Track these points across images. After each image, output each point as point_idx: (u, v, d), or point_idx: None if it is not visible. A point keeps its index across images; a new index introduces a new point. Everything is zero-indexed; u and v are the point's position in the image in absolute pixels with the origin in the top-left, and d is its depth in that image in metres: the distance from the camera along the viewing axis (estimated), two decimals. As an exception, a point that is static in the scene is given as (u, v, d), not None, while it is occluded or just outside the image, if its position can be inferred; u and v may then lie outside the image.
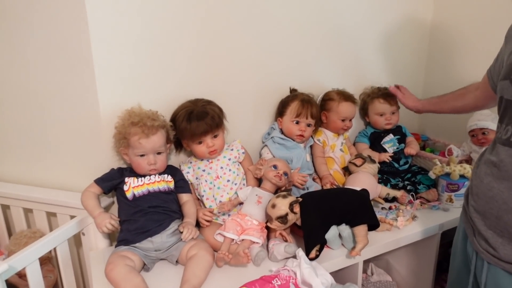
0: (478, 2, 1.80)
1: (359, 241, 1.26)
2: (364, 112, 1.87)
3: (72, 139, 1.43)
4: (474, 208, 1.02)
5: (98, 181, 1.33)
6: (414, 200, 1.60)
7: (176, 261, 1.26)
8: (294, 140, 1.60)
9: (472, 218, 1.03)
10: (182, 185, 1.40)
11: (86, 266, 1.51)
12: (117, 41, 1.29)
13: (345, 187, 1.52)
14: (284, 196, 1.28)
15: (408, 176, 1.74)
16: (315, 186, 1.58)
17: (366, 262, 1.57)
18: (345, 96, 1.69)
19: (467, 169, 1.56)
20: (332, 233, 1.29)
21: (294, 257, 1.20)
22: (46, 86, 1.40)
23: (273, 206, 1.26)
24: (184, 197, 1.40)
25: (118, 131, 1.31)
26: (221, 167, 1.45)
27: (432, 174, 1.61)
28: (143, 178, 1.34)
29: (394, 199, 1.60)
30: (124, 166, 1.40)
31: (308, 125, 1.59)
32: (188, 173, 1.45)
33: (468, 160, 1.74)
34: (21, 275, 1.40)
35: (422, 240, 1.47)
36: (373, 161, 1.58)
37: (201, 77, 1.48)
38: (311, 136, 1.68)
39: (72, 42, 1.28)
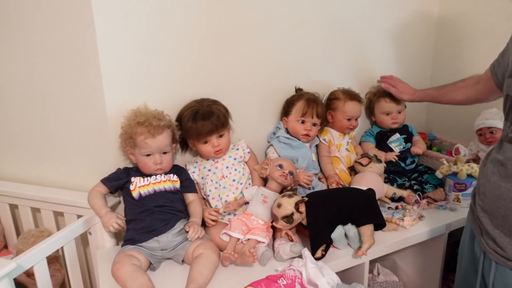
0: (485, -5, 1.79)
1: (365, 240, 1.26)
2: (370, 111, 1.86)
3: (78, 139, 1.44)
4: (481, 207, 1.01)
5: (105, 181, 1.34)
6: (420, 199, 1.59)
7: (182, 261, 1.26)
8: (299, 140, 1.60)
9: (479, 217, 1.02)
10: (188, 184, 1.41)
11: (93, 265, 1.52)
12: (123, 41, 1.30)
13: (351, 186, 1.51)
14: (290, 196, 1.28)
15: (414, 176, 1.73)
16: (320, 186, 1.58)
17: (373, 262, 1.57)
18: (351, 95, 1.69)
19: (475, 169, 1.55)
20: (338, 232, 1.28)
21: (300, 256, 1.20)
22: (53, 86, 1.41)
23: (279, 205, 1.26)
24: (190, 197, 1.40)
25: (124, 131, 1.31)
26: (227, 167, 1.45)
27: (439, 174, 1.59)
28: (149, 177, 1.34)
29: (400, 199, 1.59)
30: (131, 165, 1.40)
31: (314, 125, 1.59)
32: (194, 173, 1.45)
33: (476, 160, 1.73)
34: (29, 274, 1.41)
35: (429, 240, 1.46)
36: (379, 161, 1.58)
37: (207, 77, 1.48)
38: (317, 136, 1.67)
39: (78, 42, 1.29)
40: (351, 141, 1.77)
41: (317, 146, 1.70)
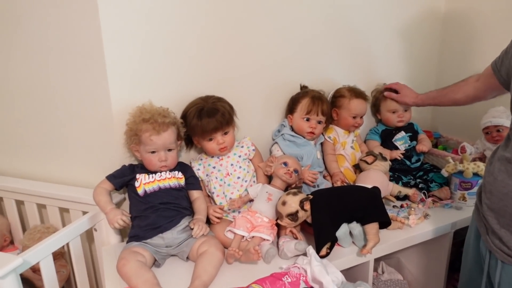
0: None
1: (370, 239, 1.26)
2: (375, 109, 1.85)
3: (84, 136, 1.44)
4: (488, 206, 1.01)
5: (110, 178, 1.34)
6: (426, 198, 1.59)
7: (187, 257, 1.27)
8: (304, 137, 1.59)
9: (485, 216, 1.02)
10: (193, 181, 1.41)
11: (98, 261, 1.53)
12: (128, 38, 1.30)
13: (356, 184, 1.51)
14: (295, 193, 1.27)
15: (420, 174, 1.72)
16: (325, 184, 1.58)
17: (377, 261, 1.57)
18: (356, 93, 1.68)
19: (481, 167, 1.54)
20: (342, 230, 1.28)
21: (305, 254, 1.20)
22: (58, 83, 1.41)
23: (284, 203, 1.26)
24: (195, 194, 1.40)
25: (130, 128, 1.32)
26: (231, 164, 1.45)
27: (444, 172, 1.58)
28: (154, 174, 1.34)
29: (405, 197, 1.58)
30: (136, 162, 1.41)
31: (319, 122, 1.58)
32: (199, 170, 1.45)
33: (482, 158, 1.71)
34: (35, 269, 1.42)
35: (434, 238, 1.46)
36: (385, 159, 1.57)
37: (212, 74, 1.48)
38: (322, 133, 1.67)
39: (84, 39, 1.29)
40: (356, 139, 1.76)
41: (322, 144, 1.69)
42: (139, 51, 1.33)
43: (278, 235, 1.35)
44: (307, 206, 1.26)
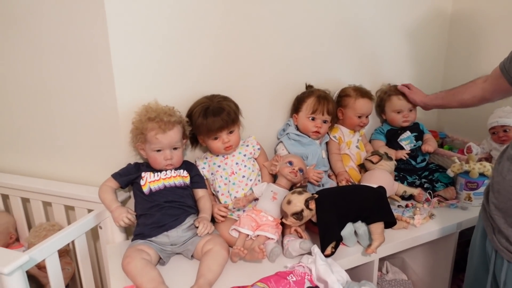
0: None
1: (375, 238, 1.25)
2: (380, 109, 1.85)
3: (90, 134, 1.45)
4: (495, 205, 1.00)
5: (115, 176, 1.35)
6: (431, 198, 1.58)
7: (192, 256, 1.27)
8: (309, 137, 1.59)
9: (492, 215, 1.01)
10: (198, 180, 1.41)
11: (103, 259, 1.54)
12: (134, 37, 1.30)
13: (361, 184, 1.50)
14: (300, 193, 1.27)
15: (425, 174, 1.71)
16: (330, 183, 1.57)
17: (382, 260, 1.56)
18: (362, 93, 1.68)
19: (487, 167, 1.53)
20: (347, 230, 1.28)
21: (309, 253, 1.20)
22: (65, 82, 1.42)
23: (289, 202, 1.26)
24: (200, 192, 1.40)
25: (135, 126, 1.32)
26: (236, 163, 1.45)
27: (450, 172, 1.58)
28: (159, 173, 1.35)
29: (411, 197, 1.58)
30: (141, 161, 1.41)
31: (324, 122, 1.58)
32: (204, 169, 1.45)
33: (488, 158, 1.70)
34: (40, 267, 1.43)
35: (439, 238, 1.45)
36: (390, 158, 1.57)
37: (217, 73, 1.48)
38: (327, 133, 1.67)
39: (90, 38, 1.30)
40: (361, 138, 1.76)
41: (327, 143, 1.69)
42: (145, 50, 1.33)
43: (283, 234, 1.35)
44: (312, 205, 1.25)
